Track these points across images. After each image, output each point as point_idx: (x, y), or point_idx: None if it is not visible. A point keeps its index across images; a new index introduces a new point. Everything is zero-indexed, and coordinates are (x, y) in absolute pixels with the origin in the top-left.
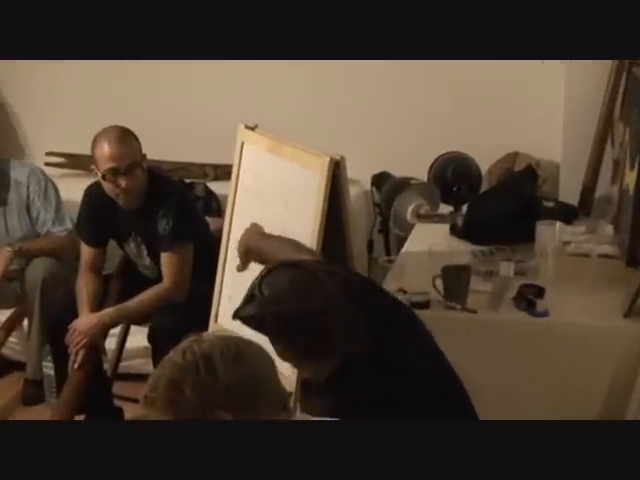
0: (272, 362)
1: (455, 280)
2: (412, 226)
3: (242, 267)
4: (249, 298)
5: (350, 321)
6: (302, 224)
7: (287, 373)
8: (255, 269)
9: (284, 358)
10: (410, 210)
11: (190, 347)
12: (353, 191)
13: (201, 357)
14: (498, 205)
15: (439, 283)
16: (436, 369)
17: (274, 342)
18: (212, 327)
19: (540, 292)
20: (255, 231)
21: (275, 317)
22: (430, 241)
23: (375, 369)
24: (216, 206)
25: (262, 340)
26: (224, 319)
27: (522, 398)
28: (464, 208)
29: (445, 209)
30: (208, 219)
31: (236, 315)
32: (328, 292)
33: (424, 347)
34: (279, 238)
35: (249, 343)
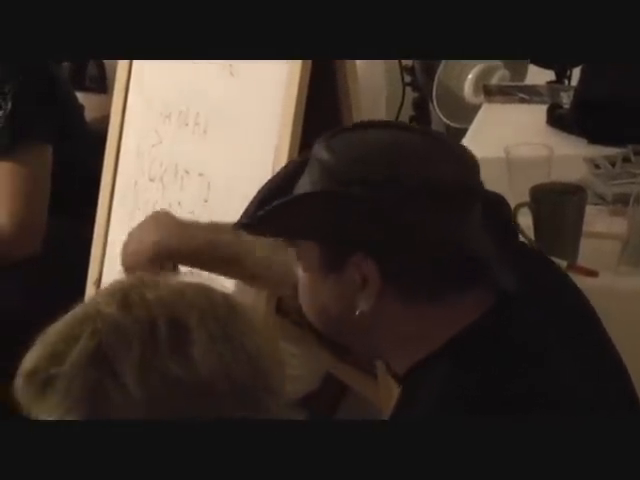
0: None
1: (556, 213)
2: (475, 109)
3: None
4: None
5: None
6: (261, 110)
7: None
8: None
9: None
10: (470, 79)
11: (139, 292)
12: None
13: (164, 315)
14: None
15: (526, 217)
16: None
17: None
18: None
19: None
20: (168, 223)
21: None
22: (509, 138)
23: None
24: (97, 73)
25: None
26: None
27: None
28: (575, 74)
29: (537, 77)
30: (82, 97)
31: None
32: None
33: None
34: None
35: (242, 304)
